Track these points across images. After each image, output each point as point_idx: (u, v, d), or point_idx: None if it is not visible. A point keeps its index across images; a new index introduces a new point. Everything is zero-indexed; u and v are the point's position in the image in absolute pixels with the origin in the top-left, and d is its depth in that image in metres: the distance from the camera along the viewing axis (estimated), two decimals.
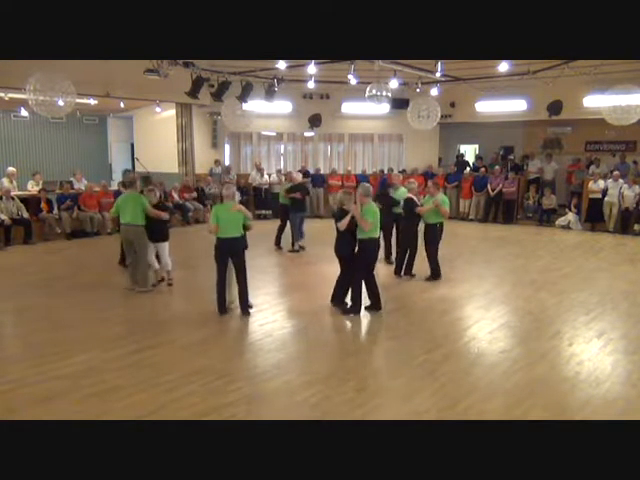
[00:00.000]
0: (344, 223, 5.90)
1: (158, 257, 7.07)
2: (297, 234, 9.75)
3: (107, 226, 11.41)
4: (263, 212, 14.34)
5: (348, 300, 6.17)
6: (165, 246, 7.03)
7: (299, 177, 10.27)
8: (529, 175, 14.19)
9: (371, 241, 5.96)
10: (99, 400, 3.94)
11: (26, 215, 10.41)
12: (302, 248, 9.74)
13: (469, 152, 17.16)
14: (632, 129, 11.45)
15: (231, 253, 5.91)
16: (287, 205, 9.72)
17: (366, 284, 6.09)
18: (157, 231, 6.90)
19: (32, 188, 11.62)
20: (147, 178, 8.18)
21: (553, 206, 13.27)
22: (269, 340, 5.28)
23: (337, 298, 6.26)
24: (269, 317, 5.96)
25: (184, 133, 13.90)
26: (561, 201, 13.81)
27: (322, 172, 15.02)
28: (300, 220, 9.76)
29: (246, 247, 6.05)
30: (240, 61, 10.41)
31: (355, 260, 6.05)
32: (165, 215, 6.97)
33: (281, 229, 9.98)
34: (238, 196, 6.20)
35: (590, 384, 4.27)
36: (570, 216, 12.77)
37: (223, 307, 6.00)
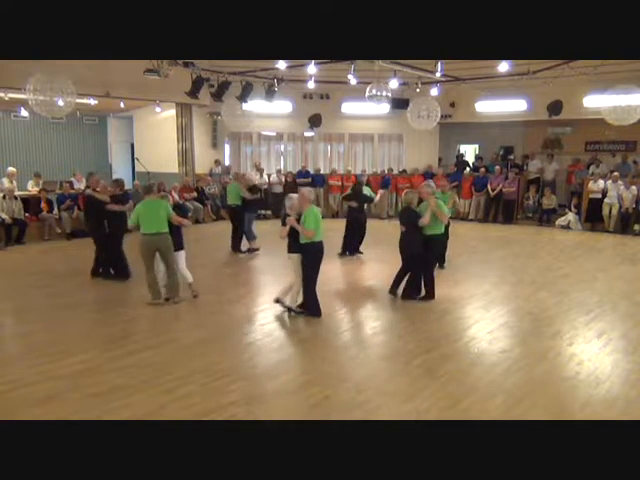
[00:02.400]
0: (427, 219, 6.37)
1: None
2: (251, 235, 9.59)
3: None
4: (263, 212, 14.35)
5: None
6: (182, 255, 6.58)
7: (255, 177, 10.24)
8: (529, 175, 14.20)
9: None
10: (99, 400, 3.94)
11: (21, 216, 10.44)
12: (256, 250, 9.53)
13: (469, 152, 17.16)
14: (632, 129, 11.45)
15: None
16: (238, 207, 9.56)
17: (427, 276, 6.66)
18: (173, 239, 6.38)
19: (32, 188, 11.63)
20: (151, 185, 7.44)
21: (553, 206, 13.28)
22: (269, 340, 5.28)
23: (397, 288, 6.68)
24: (269, 317, 5.96)
25: (184, 133, 13.90)
26: (561, 201, 13.83)
27: (322, 172, 15.02)
28: (250, 221, 9.63)
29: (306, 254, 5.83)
30: (240, 61, 10.42)
31: (425, 255, 6.53)
32: (188, 222, 6.63)
33: (236, 232, 9.66)
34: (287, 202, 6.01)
35: (590, 384, 4.27)
36: (570, 216, 12.78)
37: (318, 309, 5.94)
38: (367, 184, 10.35)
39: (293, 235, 5.78)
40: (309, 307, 5.94)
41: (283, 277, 8.06)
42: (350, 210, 9.47)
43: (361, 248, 9.34)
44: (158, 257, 6.41)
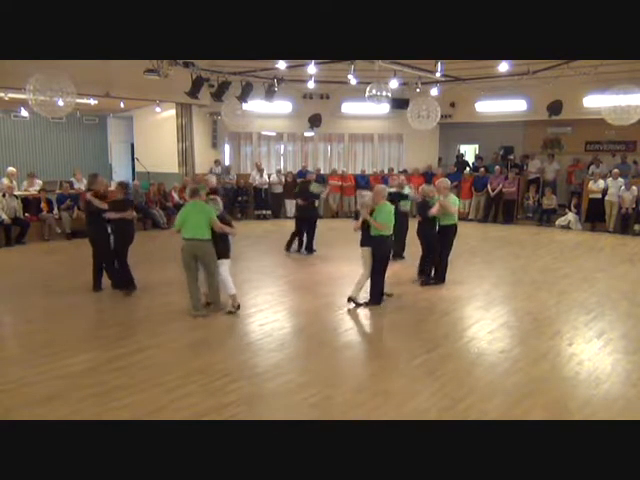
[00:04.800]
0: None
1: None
2: None
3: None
4: (263, 212, 14.35)
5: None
6: (224, 264, 6.06)
7: (213, 180, 9.64)
8: (529, 175, 14.20)
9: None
10: (99, 400, 3.94)
11: (21, 215, 10.45)
12: None
13: (469, 152, 17.16)
14: (632, 129, 11.45)
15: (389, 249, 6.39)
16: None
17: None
18: (217, 247, 5.99)
19: (27, 189, 11.57)
20: (197, 189, 6.46)
21: (553, 206, 13.27)
22: (269, 340, 5.28)
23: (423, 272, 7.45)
24: (269, 317, 5.96)
25: (184, 133, 13.89)
26: (561, 201, 13.82)
27: (322, 172, 15.02)
28: None
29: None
30: (240, 61, 10.42)
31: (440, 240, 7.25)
32: (233, 231, 6.12)
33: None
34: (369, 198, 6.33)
35: (590, 384, 4.27)
36: (570, 216, 12.77)
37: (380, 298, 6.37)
38: (318, 180, 10.42)
39: (365, 229, 6.20)
40: (373, 296, 6.35)
41: (281, 277, 8.08)
42: (297, 207, 9.75)
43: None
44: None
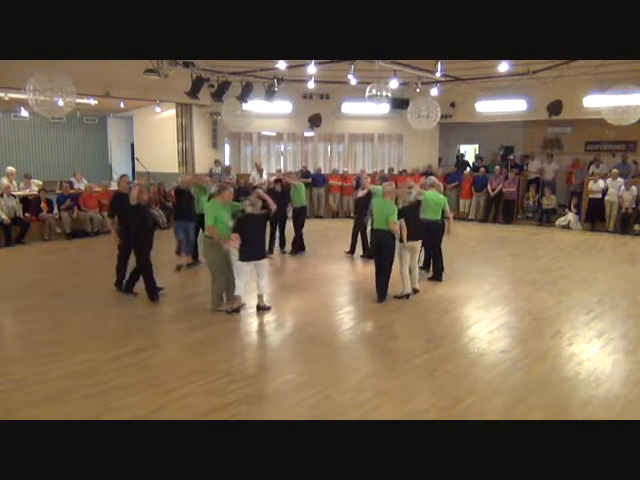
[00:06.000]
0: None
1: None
2: (185, 246, 8.27)
3: (107, 226, 11.38)
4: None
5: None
6: (236, 266, 6.02)
7: (186, 179, 8.91)
8: (529, 175, 14.20)
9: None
10: (99, 400, 3.94)
11: (20, 215, 10.46)
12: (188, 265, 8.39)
13: (469, 152, 17.16)
14: (632, 129, 11.45)
15: (379, 243, 6.49)
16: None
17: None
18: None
19: (24, 189, 11.57)
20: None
21: (553, 206, 13.27)
22: (269, 340, 5.28)
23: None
24: (269, 317, 5.96)
25: (184, 133, 13.89)
26: (561, 201, 13.82)
27: (323, 172, 15.02)
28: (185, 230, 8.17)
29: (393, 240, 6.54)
30: (240, 61, 10.42)
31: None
32: (215, 232, 5.85)
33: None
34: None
35: (590, 384, 4.27)
36: (570, 216, 12.77)
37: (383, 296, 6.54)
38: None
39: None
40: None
41: (281, 277, 8.08)
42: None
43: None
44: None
